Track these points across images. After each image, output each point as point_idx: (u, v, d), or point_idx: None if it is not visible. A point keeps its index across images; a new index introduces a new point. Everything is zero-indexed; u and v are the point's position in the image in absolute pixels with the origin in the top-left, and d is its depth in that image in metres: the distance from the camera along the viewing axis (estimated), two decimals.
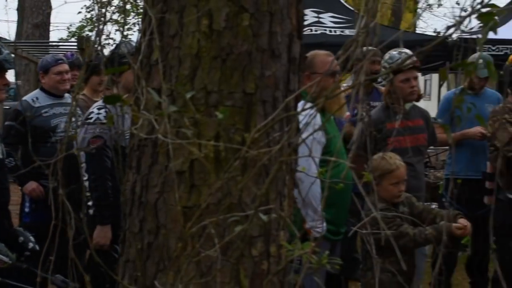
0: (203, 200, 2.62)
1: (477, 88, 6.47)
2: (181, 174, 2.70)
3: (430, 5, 22.05)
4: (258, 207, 2.25)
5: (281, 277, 2.82)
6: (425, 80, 26.20)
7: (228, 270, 2.63)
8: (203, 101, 2.65)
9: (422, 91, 6.53)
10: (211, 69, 2.67)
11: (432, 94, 25.68)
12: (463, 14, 2.42)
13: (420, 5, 20.85)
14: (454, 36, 2.73)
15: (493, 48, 9.35)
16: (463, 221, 4.43)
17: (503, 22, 10.59)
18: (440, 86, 14.19)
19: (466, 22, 2.42)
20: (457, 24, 2.35)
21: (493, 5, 2.43)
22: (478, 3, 2.43)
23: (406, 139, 5.20)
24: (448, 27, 2.42)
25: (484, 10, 2.36)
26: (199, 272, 2.65)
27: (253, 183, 2.62)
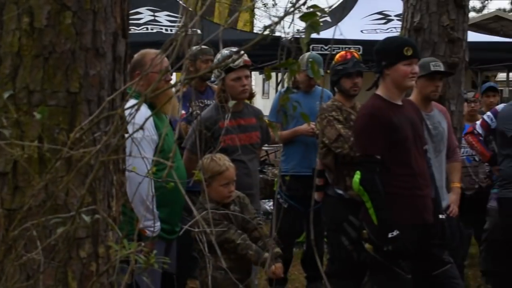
0: (26, 202, 2.55)
1: (303, 86, 6.61)
2: (4, 175, 2.63)
3: (265, 5, 22.45)
4: (80, 208, 2.22)
5: (110, 278, 2.76)
6: (263, 79, 26.59)
7: (53, 272, 2.57)
8: (25, 100, 2.59)
9: (254, 90, 6.60)
10: (33, 68, 2.62)
11: (270, 93, 26.11)
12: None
13: (256, 4, 21.17)
14: (283, 35, 2.78)
15: (326, 47, 9.60)
16: (278, 268, 4.63)
17: (335, 22, 10.93)
18: (277, 85, 14.45)
19: (290, 21, 2.50)
20: (274, 24, 2.42)
21: (314, 6, 2.52)
22: (301, 4, 2.51)
23: (239, 137, 5.26)
24: (266, 27, 2.48)
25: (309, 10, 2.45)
26: (25, 276, 2.58)
27: (79, 184, 2.59)
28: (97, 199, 2.68)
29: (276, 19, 2.48)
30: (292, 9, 2.48)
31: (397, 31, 7.52)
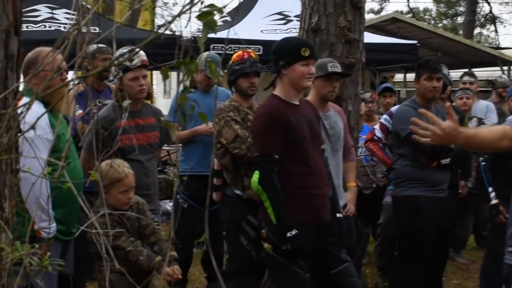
0: None
1: (202, 86, 6.61)
2: None
3: (166, 3, 22.37)
4: None
5: (2, 280, 2.67)
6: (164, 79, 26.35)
7: None
8: None
9: (155, 90, 6.57)
10: None
11: (171, 93, 25.97)
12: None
13: (157, 3, 21.09)
14: (182, 34, 2.77)
15: (226, 47, 9.57)
16: (175, 269, 4.60)
17: (235, 22, 10.93)
18: (179, 84, 14.40)
19: (187, 20, 2.49)
20: (168, 23, 2.41)
21: (211, 5, 2.51)
22: (197, 2, 2.50)
23: (137, 136, 5.21)
24: (160, 26, 2.45)
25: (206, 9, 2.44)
26: None
27: None
28: None
29: (170, 18, 2.47)
30: (187, 8, 2.48)
31: (296, 32, 7.59)
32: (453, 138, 3.42)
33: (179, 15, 2.38)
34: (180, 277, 4.75)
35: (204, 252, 7.18)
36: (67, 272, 4.52)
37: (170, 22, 2.40)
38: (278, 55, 4.78)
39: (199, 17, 2.45)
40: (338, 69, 5.38)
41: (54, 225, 4.20)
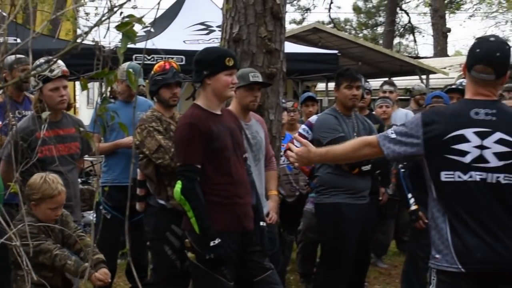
0: None
1: (123, 96, 6.58)
2: None
3: (87, 14, 22.13)
4: None
5: None
6: (89, 89, 26.02)
7: None
8: None
9: (78, 100, 6.51)
10: None
11: (94, 103, 25.67)
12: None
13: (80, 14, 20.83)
14: (102, 45, 2.76)
15: (149, 57, 9.54)
16: (103, 273, 4.56)
17: (158, 32, 10.88)
18: (99, 95, 14.26)
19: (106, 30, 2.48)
20: (84, 33, 2.40)
21: (130, 15, 2.52)
22: (113, 13, 2.50)
23: (58, 147, 5.15)
24: (77, 36, 2.45)
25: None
26: None
27: None
28: None
29: (86, 29, 2.47)
30: (105, 17, 2.48)
31: (218, 42, 7.61)
32: (307, 158, 3.99)
33: (96, 24, 2.37)
34: (110, 280, 4.71)
35: (128, 262, 7.10)
36: None
37: (87, 32, 2.39)
38: (201, 65, 4.78)
39: (118, 27, 2.46)
40: (260, 78, 5.42)
41: None
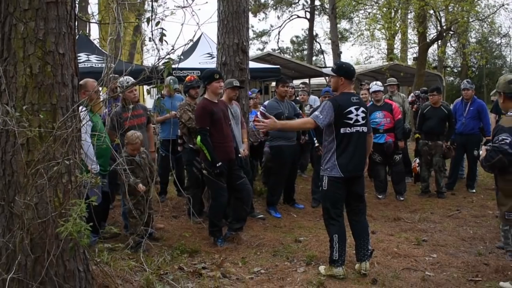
0: (35, 157, 2.45)
1: (166, 94, 6.23)
2: (22, 145, 2.52)
3: (148, 50, 21.42)
4: (63, 159, 2.25)
5: (78, 190, 2.69)
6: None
7: (51, 190, 2.47)
8: (31, 109, 2.56)
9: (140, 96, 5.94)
10: (34, 93, 2.54)
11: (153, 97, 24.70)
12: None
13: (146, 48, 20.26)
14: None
15: (181, 72, 8.86)
16: (142, 188, 4.22)
17: (184, 58, 10.58)
18: (156, 95, 13.71)
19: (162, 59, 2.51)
20: (166, 63, 2.53)
21: (170, 59, 2.64)
22: (168, 55, 2.57)
23: (135, 121, 4.90)
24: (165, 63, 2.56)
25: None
26: (36, 192, 2.46)
27: (61, 148, 2.55)
28: (69, 154, 2.61)
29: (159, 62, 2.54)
30: (165, 56, 2.57)
31: (215, 64, 7.29)
32: (273, 126, 3.62)
33: (159, 60, 2.51)
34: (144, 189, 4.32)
35: (174, 178, 6.38)
36: (105, 189, 4.47)
37: (167, 64, 2.50)
38: (204, 78, 4.71)
39: (164, 64, 2.58)
40: (237, 83, 5.26)
41: (98, 166, 4.17)
